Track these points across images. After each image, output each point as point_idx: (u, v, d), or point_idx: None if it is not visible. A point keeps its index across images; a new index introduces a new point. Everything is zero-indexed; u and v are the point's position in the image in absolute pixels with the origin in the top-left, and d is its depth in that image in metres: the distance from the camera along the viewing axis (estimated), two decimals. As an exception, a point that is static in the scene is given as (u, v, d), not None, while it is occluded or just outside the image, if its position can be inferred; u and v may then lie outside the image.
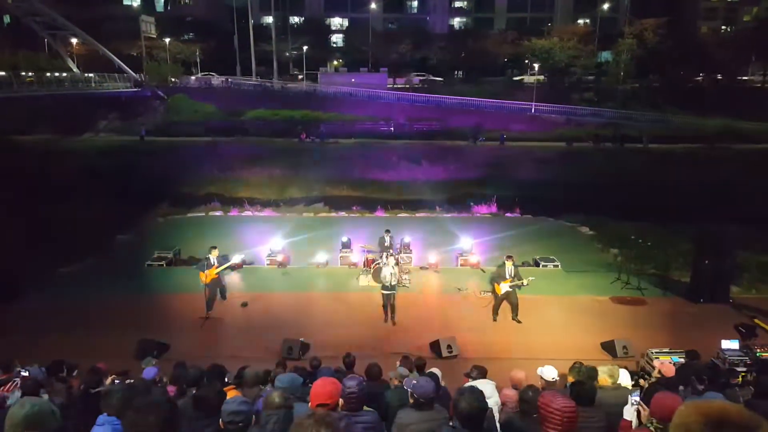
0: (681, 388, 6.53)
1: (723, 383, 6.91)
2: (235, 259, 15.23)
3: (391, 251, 15.84)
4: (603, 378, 6.53)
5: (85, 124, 47.03)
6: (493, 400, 5.72)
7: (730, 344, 9.99)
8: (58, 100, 43.50)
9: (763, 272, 16.87)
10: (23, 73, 45.23)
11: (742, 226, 16.86)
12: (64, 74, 49.22)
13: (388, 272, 13.52)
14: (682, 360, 9.37)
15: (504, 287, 13.52)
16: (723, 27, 69.93)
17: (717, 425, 1.82)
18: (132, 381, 7.06)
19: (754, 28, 57.56)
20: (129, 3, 74.22)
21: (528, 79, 62.02)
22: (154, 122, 48.48)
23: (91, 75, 50.14)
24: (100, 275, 17.08)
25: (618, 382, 6.58)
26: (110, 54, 52.20)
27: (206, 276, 13.79)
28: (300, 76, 63.19)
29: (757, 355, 9.66)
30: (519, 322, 13.68)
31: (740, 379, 8.19)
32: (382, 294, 13.88)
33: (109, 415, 4.40)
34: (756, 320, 13.45)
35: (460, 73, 68.08)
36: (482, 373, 7.03)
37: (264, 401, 4.36)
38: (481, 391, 4.13)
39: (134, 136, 44.85)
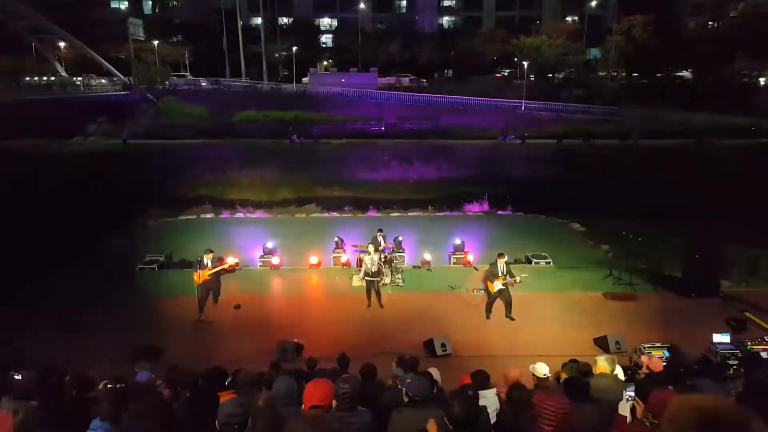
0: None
1: (715, 377, 6.96)
2: (229, 261, 15.18)
3: (383, 250, 15.87)
4: (603, 366, 6.59)
5: (75, 127, 46.67)
6: (493, 408, 5.68)
7: (722, 338, 10.09)
8: (47, 104, 43.15)
9: (753, 266, 16.99)
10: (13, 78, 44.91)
11: (731, 221, 16.95)
12: (52, 78, 48.87)
13: (369, 260, 14.19)
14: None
15: (497, 285, 13.55)
16: (710, 23, 70.36)
17: (709, 419, 1.84)
18: (124, 385, 7.02)
19: (741, 23, 57.94)
20: (117, 6, 73.87)
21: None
22: (144, 125, 48.16)
23: (79, 79, 49.79)
24: (91, 279, 16.94)
25: (615, 373, 6.64)
26: (98, 57, 51.93)
27: (199, 276, 13.77)
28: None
29: (748, 348, 9.75)
30: (512, 319, 13.71)
31: (732, 371, 8.26)
32: (365, 281, 14.37)
33: (102, 420, 4.39)
34: (747, 314, 13.56)
35: (450, 72, 68.22)
36: (483, 384, 6.36)
37: (250, 406, 4.34)
38: (476, 395, 4.12)
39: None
